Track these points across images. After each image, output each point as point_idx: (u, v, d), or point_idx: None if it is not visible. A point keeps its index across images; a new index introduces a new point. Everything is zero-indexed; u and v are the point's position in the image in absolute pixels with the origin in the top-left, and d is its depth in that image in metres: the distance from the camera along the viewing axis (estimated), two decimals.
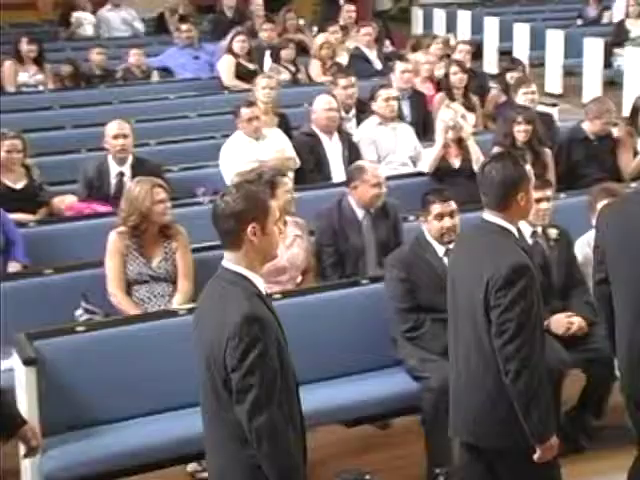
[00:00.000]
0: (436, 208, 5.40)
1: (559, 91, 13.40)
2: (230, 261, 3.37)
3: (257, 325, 3.24)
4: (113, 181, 7.04)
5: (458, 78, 9.09)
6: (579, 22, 14.55)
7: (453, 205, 5.43)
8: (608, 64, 12.91)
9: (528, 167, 3.99)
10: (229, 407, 3.28)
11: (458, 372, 4.03)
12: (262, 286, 3.42)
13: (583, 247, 5.77)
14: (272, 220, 3.39)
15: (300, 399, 3.47)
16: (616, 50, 12.91)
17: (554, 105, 9.58)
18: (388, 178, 7.04)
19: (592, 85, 12.64)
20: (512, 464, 3.91)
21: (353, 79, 8.57)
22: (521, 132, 7.37)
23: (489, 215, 3.94)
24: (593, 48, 12.94)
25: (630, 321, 4.04)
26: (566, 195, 6.74)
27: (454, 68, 9.17)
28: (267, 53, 10.97)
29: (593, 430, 5.46)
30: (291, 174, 7.09)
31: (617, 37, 12.97)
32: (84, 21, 13.70)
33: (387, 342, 5.38)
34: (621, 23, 13.15)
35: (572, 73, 13.69)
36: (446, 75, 9.24)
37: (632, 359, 4.04)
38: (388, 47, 12.39)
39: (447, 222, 5.39)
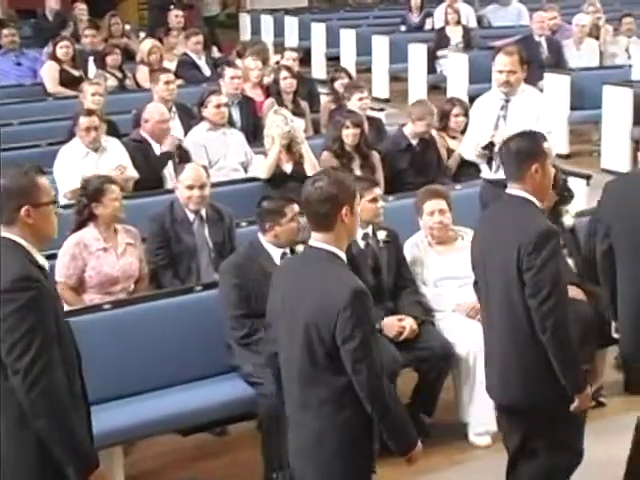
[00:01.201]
0: (292, 209, 5.45)
1: (386, 96, 13.67)
2: (319, 240, 3.66)
3: (365, 299, 3.53)
4: None
5: (288, 83, 9.16)
6: (403, 28, 14.86)
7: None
8: (432, 69, 13.27)
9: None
10: (329, 373, 3.55)
11: (491, 336, 4.27)
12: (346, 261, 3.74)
13: (412, 248, 5.91)
14: (357, 202, 3.71)
15: None
16: (439, 55, 13.28)
17: (381, 110, 9.77)
18: (219, 184, 7.04)
19: (417, 90, 12.96)
20: (541, 421, 4.17)
21: (173, 76, 8.57)
22: (349, 136, 7.48)
23: (511, 189, 4.22)
24: (417, 54, 13.27)
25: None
26: (394, 198, 6.86)
27: (284, 73, 9.23)
28: (90, 59, 10.77)
29: (426, 427, 5.58)
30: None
31: (439, 43, 13.34)
32: None
33: (222, 348, 5.35)
34: (442, 30, 13.52)
35: (398, 78, 13.99)
36: (275, 81, 9.30)
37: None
38: (216, 53, 12.38)
39: (300, 222, 5.44)
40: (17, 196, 3.47)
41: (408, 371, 5.64)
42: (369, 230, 5.77)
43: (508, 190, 4.25)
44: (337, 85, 9.26)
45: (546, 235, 4.03)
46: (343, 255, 3.69)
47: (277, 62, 10.35)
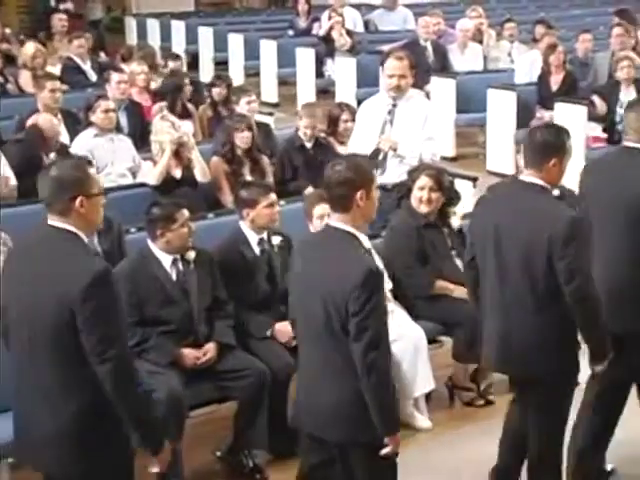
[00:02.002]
0: (182, 215, 5.42)
1: (275, 100, 13.68)
2: (337, 220, 3.94)
3: (376, 278, 3.82)
4: None
5: (189, 90, 9.12)
6: (290, 33, 14.90)
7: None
8: (320, 73, 13.33)
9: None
10: (345, 343, 3.81)
11: (503, 315, 4.46)
12: (367, 243, 4.03)
13: None
14: (374, 187, 3.95)
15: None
16: (328, 60, 13.36)
17: (270, 114, 9.77)
18: (107, 190, 6.91)
19: (306, 94, 13.00)
20: (555, 390, 4.46)
21: (59, 83, 8.41)
22: (243, 139, 7.44)
23: (527, 176, 4.43)
24: (305, 58, 13.31)
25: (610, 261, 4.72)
26: (285, 202, 6.85)
27: (186, 80, 9.18)
28: None
29: None
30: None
31: (326, 48, 13.41)
32: None
33: None
34: (328, 34, 13.57)
35: (287, 82, 14.02)
36: (178, 87, 9.20)
37: (612, 295, 4.66)
38: (102, 57, 12.20)
39: (192, 227, 5.46)
40: (72, 187, 3.64)
41: None
42: (264, 235, 5.75)
43: (522, 177, 4.48)
44: (214, 93, 9.21)
45: (577, 224, 4.28)
46: (359, 234, 3.96)
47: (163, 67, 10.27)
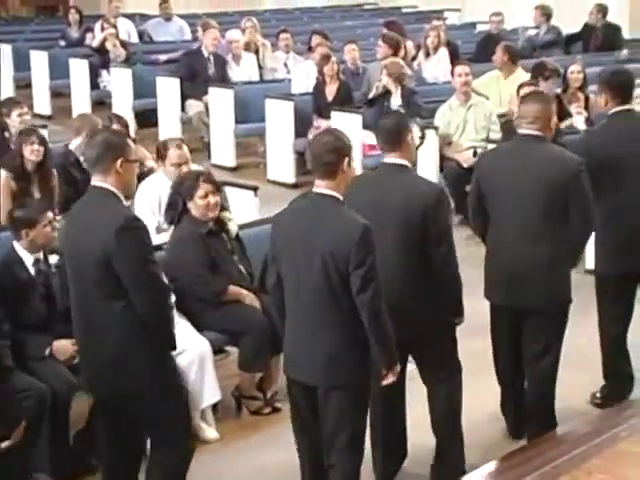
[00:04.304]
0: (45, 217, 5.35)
1: (48, 112, 13.29)
2: (324, 187, 4.36)
3: (371, 233, 4.27)
4: None
5: None
6: (62, 43, 14.50)
7: None
8: (95, 85, 13.04)
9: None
10: (343, 297, 4.28)
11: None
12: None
13: None
14: (353, 158, 4.41)
15: None
16: (102, 71, 13.10)
17: (44, 126, 9.46)
18: None
19: (81, 105, 12.67)
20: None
21: None
22: (34, 152, 7.10)
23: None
24: (78, 69, 12.98)
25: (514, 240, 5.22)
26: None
27: None
28: None
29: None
30: None
31: (100, 59, 13.12)
32: None
33: None
34: (102, 45, 13.26)
35: (60, 94, 13.64)
36: None
37: (514, 271, 5.22)
38: None
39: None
40: (116, 149, 4.27)
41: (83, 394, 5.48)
42: (40, 255, 5.52)
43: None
44: None
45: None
46: (342, 199, 4.37)
47: None
